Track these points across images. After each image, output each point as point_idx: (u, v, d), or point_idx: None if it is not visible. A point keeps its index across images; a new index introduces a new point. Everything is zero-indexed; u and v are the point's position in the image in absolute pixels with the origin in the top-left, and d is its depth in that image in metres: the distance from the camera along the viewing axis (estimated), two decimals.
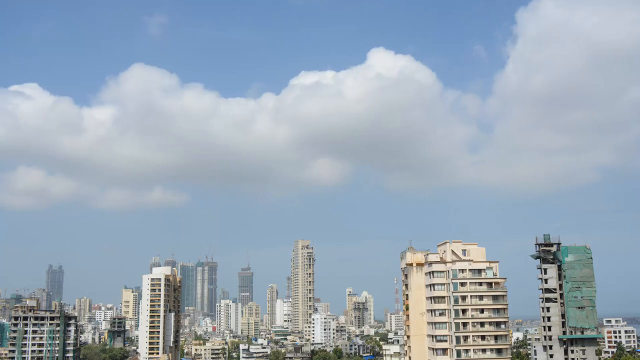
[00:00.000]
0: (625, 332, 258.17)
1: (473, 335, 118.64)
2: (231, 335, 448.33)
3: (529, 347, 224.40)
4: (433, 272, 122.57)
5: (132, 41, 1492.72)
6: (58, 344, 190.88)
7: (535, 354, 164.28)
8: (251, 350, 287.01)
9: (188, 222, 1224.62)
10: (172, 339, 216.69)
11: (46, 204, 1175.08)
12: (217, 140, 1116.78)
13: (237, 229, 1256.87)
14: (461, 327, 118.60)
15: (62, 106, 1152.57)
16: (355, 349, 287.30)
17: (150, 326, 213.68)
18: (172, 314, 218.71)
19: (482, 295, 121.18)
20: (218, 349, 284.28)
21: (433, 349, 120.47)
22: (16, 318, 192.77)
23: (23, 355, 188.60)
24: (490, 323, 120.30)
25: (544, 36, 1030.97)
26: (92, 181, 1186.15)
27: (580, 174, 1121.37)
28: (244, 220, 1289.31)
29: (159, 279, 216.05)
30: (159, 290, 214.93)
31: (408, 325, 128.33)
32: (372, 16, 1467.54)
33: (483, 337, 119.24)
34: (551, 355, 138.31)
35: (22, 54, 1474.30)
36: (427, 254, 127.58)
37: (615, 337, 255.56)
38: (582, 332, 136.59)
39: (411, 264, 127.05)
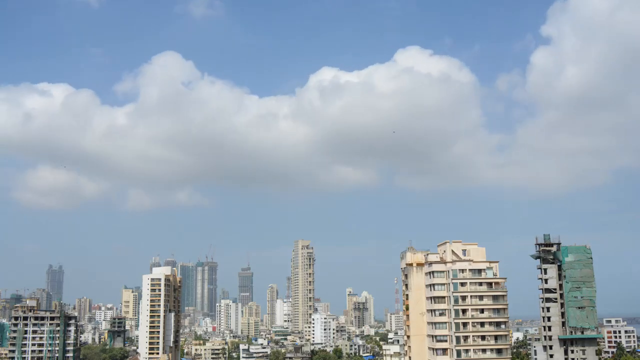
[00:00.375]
0: (625, 332, 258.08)
1: (473, 335, 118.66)
2: (231, 335, 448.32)
3: (529, 347, 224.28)
4: (433, 272, 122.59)
5: (169, 25, 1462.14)
6: (58, 344, 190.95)
7: (535, 354, 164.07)
8: (251, 350, 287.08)
9: (191, 222, 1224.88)
10: (172, 339, 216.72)
11: (51, 202, 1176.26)
12: (233, 141, 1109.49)
13: (238, 229, 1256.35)
14: (461, 327, 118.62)
15: (83, 103, 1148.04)
16: (355, 349, 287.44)
17: (150, 326, 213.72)
18: (172, 314, 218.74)
19: (482, 295, 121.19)
20: (218, 349, 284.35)
21: (433, 349, 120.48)
22: (16, 318, 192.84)
23: (23, 355, 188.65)
24: (490, 323, 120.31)
25: (576, 34, 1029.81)
26: (101, 180, 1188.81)
27: (597, 176, 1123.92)
28: (246, 220, 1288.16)
29: (159, 279, 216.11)
30: (159, 290, 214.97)
31: (408, 325, 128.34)
32: (392, 15, 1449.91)
33: (483, 337, 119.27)
34: (551, 355, 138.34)
35: (49, 47, 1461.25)
36: (427, 254, 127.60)
37: (615, 337, 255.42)
38: (582, 332, 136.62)
39: (411, 264, 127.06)
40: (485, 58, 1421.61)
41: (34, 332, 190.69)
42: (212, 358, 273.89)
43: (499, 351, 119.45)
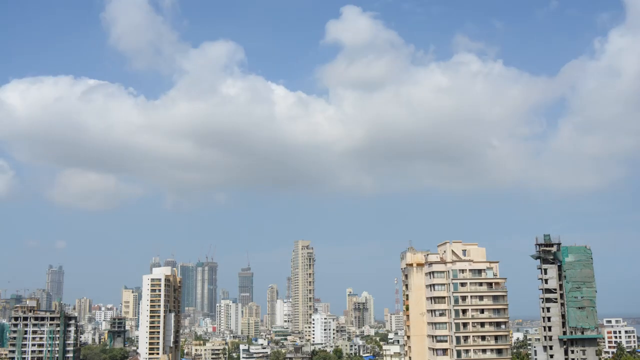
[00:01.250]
0: (626, 332, 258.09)
1: (473, 336, 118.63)
2: (231, 335, 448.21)
3: (529, 347, 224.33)
4: (433, 272, 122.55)
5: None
6: (58, 344, 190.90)
7: (536, 354, 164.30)
8: (251, 350, 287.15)
9: (192, 223, 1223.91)
10: (172, 339, 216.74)
11: (52, 202, 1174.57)
12: (244, 140, 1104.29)
13: (239, 229, 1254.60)
14: (461, 327, 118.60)
15: (108, 96, 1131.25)
16: (355, 349, 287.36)
17: (150, 326, 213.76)
18: (172, 314, 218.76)
19: (482, 296, 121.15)
20: (218, 349, 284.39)
21: (433, 349, 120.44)
22: (16, 318, 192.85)
23: (23, 356, 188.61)
24: (490, 323, 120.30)
25: (622, 43, 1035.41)
26: (103, 177, 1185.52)
27: (614, 177, 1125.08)
28: (246, 220, 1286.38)
29: (159, 279, 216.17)
30: (159, 290, 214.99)
31: (408, 326, 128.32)
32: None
33: (483, 338, 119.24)
34: (551, 356, 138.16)
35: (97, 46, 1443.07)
36: (427, 255, 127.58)
37: (616, 337, 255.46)
38: (582, 333, 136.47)
39: (411, 264, 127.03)
40: (528, 62, 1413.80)
41: (34, 332, 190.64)
42: (212, 358, 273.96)
43: (499, 351, 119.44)
